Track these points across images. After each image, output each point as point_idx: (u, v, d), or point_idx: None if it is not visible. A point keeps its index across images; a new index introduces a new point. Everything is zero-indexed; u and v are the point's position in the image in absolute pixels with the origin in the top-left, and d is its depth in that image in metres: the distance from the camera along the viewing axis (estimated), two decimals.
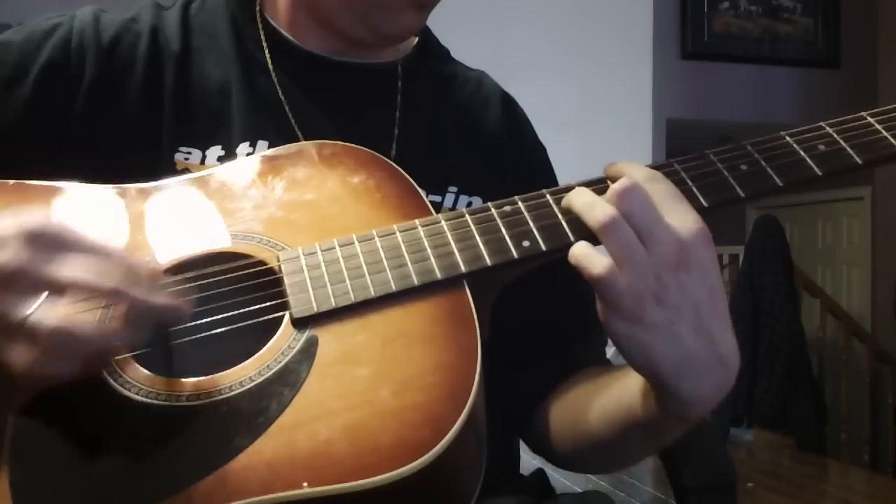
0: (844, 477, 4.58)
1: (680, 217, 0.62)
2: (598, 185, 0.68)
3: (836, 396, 5.10)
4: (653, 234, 0.61)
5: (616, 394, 0.75)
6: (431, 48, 0.99)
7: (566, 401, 0.86)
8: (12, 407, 0.59)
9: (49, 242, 0.57)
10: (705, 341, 0.62)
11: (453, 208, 0.87)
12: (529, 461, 0.97)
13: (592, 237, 0.66)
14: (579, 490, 1.08)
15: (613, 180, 0.65)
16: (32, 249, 0.57)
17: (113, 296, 0.58)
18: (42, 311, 0.55)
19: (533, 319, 0.90)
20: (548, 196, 0.69)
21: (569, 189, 0.69)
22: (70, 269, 0.57)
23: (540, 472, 0.95)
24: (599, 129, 4.57)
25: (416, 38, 0.98)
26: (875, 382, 5.27)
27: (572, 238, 0.66)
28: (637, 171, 0.65)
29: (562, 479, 3.28)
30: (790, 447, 4.78)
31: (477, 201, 0.88)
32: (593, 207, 0.62)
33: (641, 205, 0.61)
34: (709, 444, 1.01)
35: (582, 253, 0.62)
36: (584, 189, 0.66)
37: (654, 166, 0.69)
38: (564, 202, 0.66)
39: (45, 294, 0.56)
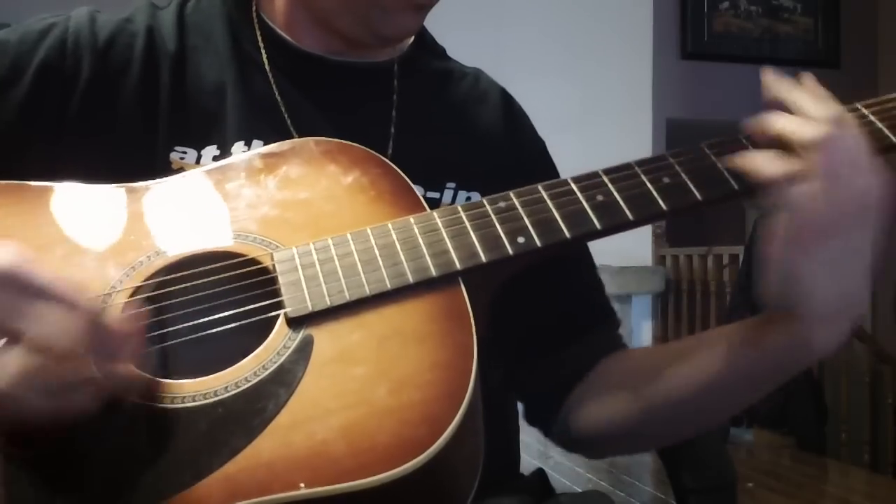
0: (844, 477, 4.57)
1: (878, 175, 0.65)
2: (533, 196, 0.69)
3: (836, 396, 5.10)
4: (864, 172, 0.64)
5: (707, 353, 0.76)
6: (427, 45, 0.99)
7: (626, 376, 0.85)
8: None
9: (17, 287, 0.55)
10: (860, 290, 0.66)
11: (452, 204, 0.86)
12: (529, 461, 0.97)
13: (585, 236, 0.66)
14: (579, 490, 1.08)
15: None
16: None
17: (67, 357, 0.54)
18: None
19: (548, 309, 0.90)
20: (542, 191, 0.69)
21: (564, 184, 0.69)
22: (31, 321, 0.54)
23: (540, 472, 0.95)
24: (599, 129, 4.57)
25: (412, 37, 0.97)
26: (875, 382, 5.26)
27: (567, 234, 0.66)
28: (847, 117, 0.68)
29: (562, 480, 3.28)
30: (790, 447, 4.78)
31: (476, 197, 0.87)
32: (818, 125, 0.65)
33: (855, 142, 0.65)
34: (709, 444, 1.01)
35: (790, 163, 0.64)
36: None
37: (648, 160, 0.70)
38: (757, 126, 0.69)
39: (2, 342, 0.54)
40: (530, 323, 0.90)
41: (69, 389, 0.55)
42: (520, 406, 0.96)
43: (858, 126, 0.68)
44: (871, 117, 0.71)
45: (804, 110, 0.67)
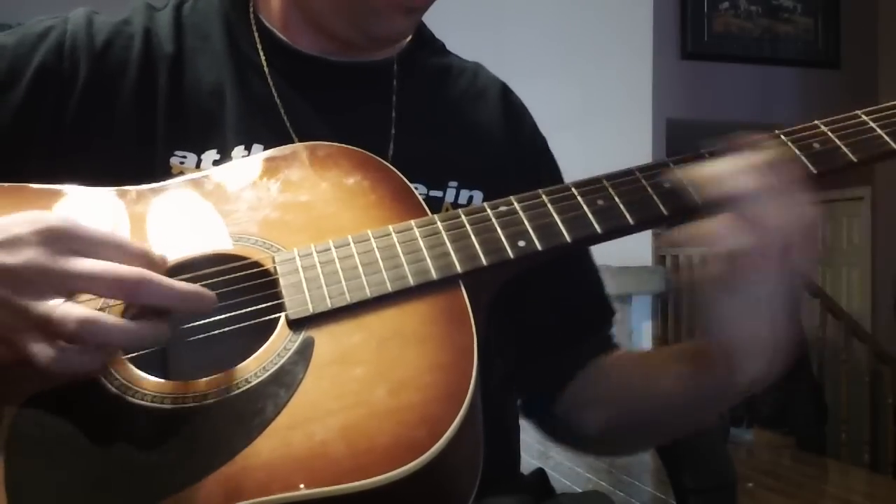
0: (844, 477, 4.57)
1: (804, 208, 0.66)
2: (534, 201, 0.70)
3: (836, 396, 5.10)
4: (788, 215, 0.64)
5: (679, 366, 0.78)
6: (426, 42, 0.98)
7: (612, 380, 0.88)
8: (17, 401, 0.59)
9: (65, 239, 0.58)
10: (788, 328, 0.67)
11: (455, 203, 0.86)
12: (529, 461, 0.97)
13: (585, 240, 0.66)
14: (579, 490, 1.08)
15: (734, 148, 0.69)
16: (50, 247, 0.57)
17: (134, 286, 0.58)
18: (67, 306, 0.56)
19: (547, 311, 0.92)
20: (543, 196, 0.69)
21: (565, 189, 0.70)
22: (89, 263, 0.58)
23: (540, 472, 0.95)
24: (599, 129, 4.57)
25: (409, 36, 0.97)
26: (875, 382, 5.26)
27: (568, 238, 0.67)
28: (770, 153, 0.68)
29: (562, 480, 3.28)
30: (790, 447, 4.78)
31: (478, 195, 0.87)
32: (743, 175, 0.65)
33: (785, 183, 0.65)
34: (709, 444, 1.01)
35: (726, 228, 0.64)
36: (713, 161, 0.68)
37: (649, 166, 0.71)
38: (699, 173, 0.68)
39: (67, 291, 0.57)
40: (529, 324, 0.91)
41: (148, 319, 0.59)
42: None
43: (793, 160, 0.69)
44: (872, 124, 0.72)
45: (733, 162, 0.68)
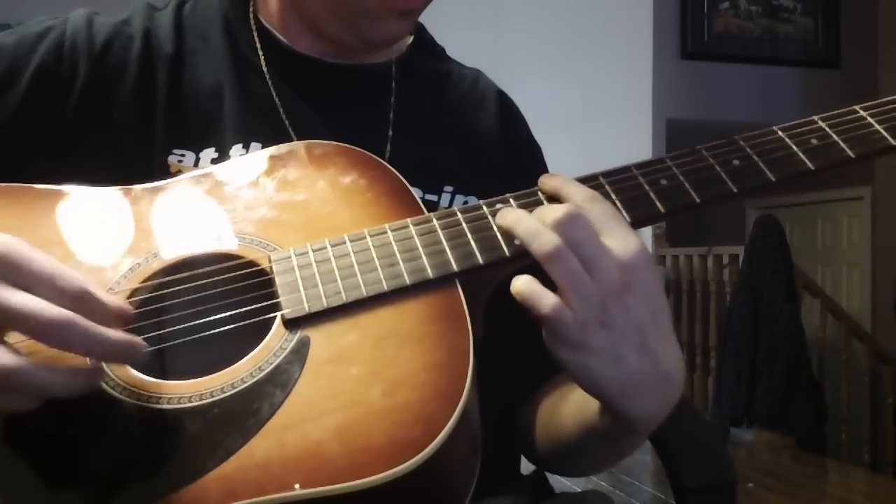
0: (844, 477, 4.57)
1: (621, 240, 0.61)
2: (531, 199, 0.67)
3: (836, 396, 5.10)
4: (598, 262, 0.60)
5: (577, 403, 0.74)
6: (426, 46, 0.99)
7: (541, 405, 0.86)
8: None
9: (6, 268, 0.55)
10: (649, 360, 0.62)
11: (450, 208, 0.86)
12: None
13: None
14: (579, 490, 1.08)
15: (549, 196, 0.66)
16: None
17: (59, 330, 0.54)
18: None
19: (517, 320, 0.89)
20: (539, 194, 0.69)
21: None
22: (20, 299, 0.54)
23: (539, 472, 0.95)
24: (599, 129, 4.58)
25: (411, 38, 0.97)
26: (875, 382, 5.27)
27: None
28: (577, 193, 0.64)
29: (561, 479, 3.28)
30: (790, 447, 4.78)
31: (473, 201, 0.87)
32: (539, 236, 0.61)
33: (586, 232, 0.60)
34: (709, 444, 1.01)
35: (528, 290, 0.60)
36: (523, 213, 0.64)
37: (647, 163, 0.70)
38: (502, 222, 0.65)
39: None
40: (501, 334, 0.88)
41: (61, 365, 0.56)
42: None
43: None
44: (870, 119, 0.71)
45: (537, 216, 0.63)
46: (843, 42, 5.77)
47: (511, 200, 0.69)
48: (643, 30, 4.97)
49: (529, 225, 0.62)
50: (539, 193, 0.69)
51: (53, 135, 0.81)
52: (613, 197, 0.68)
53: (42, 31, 0.84)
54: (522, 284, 0.61)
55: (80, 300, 0.57)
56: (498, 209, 0.68)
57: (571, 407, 0.75)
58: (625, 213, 0.67)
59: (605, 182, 0.69)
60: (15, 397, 0.54)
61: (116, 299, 0.60)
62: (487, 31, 4.50)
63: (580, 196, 0.64)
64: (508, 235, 0.66)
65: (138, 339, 0.58)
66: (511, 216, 0.64)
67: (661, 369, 0.62)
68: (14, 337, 0.56)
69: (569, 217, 0.60)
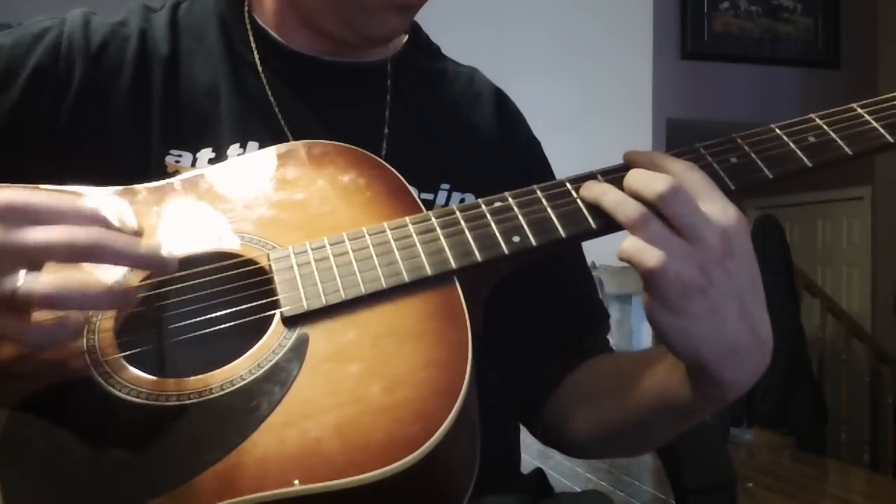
0: (844, 477, 4.57)
1: (721, 207, 0.63)
2: (618, 174, 0.68)
3: (836, 396, 5.10)
4: (698, 229, 0.62)
5: (649, 378, 0.75)
6: (421, 45, 0.99)
7: (588, 387, 0.86)
8: (10, 402, 0.59)
9: (19, 212, 0.57)
10: (748, 327, 0.63)
11: (446, 206, 0.86)
12: (529, 461, 0.97)
13: (581, 236, 0.66)
14: (579, 490, 1.08)
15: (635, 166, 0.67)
16: (4, 223, 0.56)
17: (91, 247, 0.57)
18: (30, 278, 0.56)
19: (537, 314, 0.91)
20: (538, 192, 0.69)
21: (559, 184, 0.69)
22: (43, 231, 0.57)
23: (539, 472, 0.95)
24: (599, 129, 4.57)
25: (406, 36, 0.97)
26: (875, 382, 5.27)
27: (563, 233, 0.66)
28: (673, 165, 0.66)
29: (561, 479, 3.28)
30: (790, 447, 4.78)
31: (470, 198, 0.87)
32: (623, 206, 0.63)
33: (686, 200, 0.62)
34: (709, 444, 1.01)
35: (634, 247, 0.62)
36: (608, 186, 0.66)
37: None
38: (588, 194, 0.67)
39: (27, 262, 0.56)
40: (519, 328, 0.90)
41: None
42: None
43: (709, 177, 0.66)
44: (868, 117, 0.71)
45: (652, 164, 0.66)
46: (843, 42, 5.76)
47: (509, 198, 0.69)
48: (643, 30, 4.97)
49: (616, 195, 0.65)
50: (538, 191, 0.69)
51: (49, 135, 0.81)
52: None
53: (39, 32, 0.84)
54: (627, 243, 0.63)
55: (101, 219, 0.59)
56: (495, 206, 0.68)
57: (647, 381, 0.75)
58: None
59: (604, 181, 0.69)
60: (60, 327, 0.58)
61: (132, 223, 0.62)
62: (487, 30, 4.50)
63: (676, 167, 0.65)
64: (508, 233, 0.66)
65: (168, 251, 0.60)
66: (597, 189, 0.66)
67: (759, 335, 0.64)
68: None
69: (671, 189, 0.62)
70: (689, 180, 0.64)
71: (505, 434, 0.95)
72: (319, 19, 0.86)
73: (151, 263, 0.61)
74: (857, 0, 5.75)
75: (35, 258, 0.57)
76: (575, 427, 0.86)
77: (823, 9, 5.74)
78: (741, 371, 0.65)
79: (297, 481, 0.53)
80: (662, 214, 0.62)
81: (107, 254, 0.58)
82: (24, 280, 0.56)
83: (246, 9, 0.91)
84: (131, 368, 0.61)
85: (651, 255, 0.61)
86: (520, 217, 0.67)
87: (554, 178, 0.96)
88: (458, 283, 0.64)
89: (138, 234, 0.61)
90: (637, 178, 0.65)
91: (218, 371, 0.61)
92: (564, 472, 3.35)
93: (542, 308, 0.91)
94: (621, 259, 0.63)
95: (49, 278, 0.56)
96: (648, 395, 0.74)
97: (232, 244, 0.69)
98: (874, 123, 0.71)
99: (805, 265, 5.63)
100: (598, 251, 0.93)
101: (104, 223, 0.59)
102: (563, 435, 0.88)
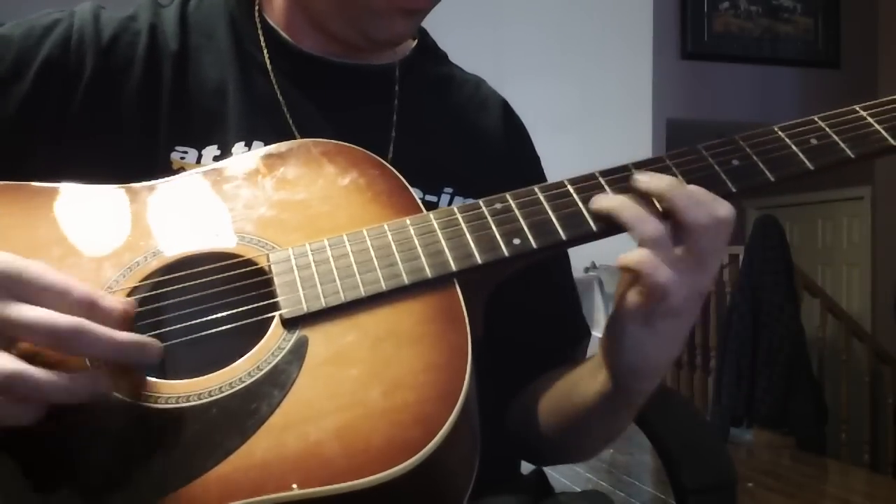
0: (844, 477, 4.57)
1: (725, 246, 0.66)
2: (618, 175, 0.69)
3: (836, 396, 5.10)
4: (709, 263, 0.65)
5: (591, 379, 0.77)
6: (429, 50, 0.99)
7: (547, 392, 0.86)
8: None
9: (9, 284, 0.56)
10: (677, 353, 0.70)
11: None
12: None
13: (582, 238, 0.66)
14: (579, 490, 1.07)
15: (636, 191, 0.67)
16: None
17: (69, 337, 0.55)
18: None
19: (517, 325, 0.90)
20: (538, 193, 0.69)
21: (559, 185, 0.69)
22: (27, 311, 0.55)
23: (539, 472, 0.95)
24: (599, 129, 4.58)
25: (415, 41, 0.97)
26: (875, 382, 5.26)
27: (563, 235, 0.66)
28: (720, 207, 0.66)
29: (561, 479, 3.28)
30: (790, 447, 4.78)
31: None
32: (645, 222, 0.64)
33: (724, 237, 0.65)
34: (709, 444, 1.00)
35: (650, 262, 0.63)
36: (624, 198, 0.66)
37: (645, 161, 0.69)
38: (606, 205, 0.66)
39: (5, 339, 0.55)
40: (503, 334, 0.89)
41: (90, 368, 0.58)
42: None
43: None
44: (870, 119, 0.71)
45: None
46: (843, 42, 5.77)
47: (510, 200, 0.69)
48: (643, 30, 4.97)
49: (636, 211, 0.65)
50: (538, 193, 0.69)
51: (58, 128, 0.81)
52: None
53: (49, 24, 0.84)
54: (642, 256, 0.64)
55: (88, 308, 0.58)
56: (496, 208, 0.68)
57: (590, 382, 0.77)
58: None
59: (605, 181, 0.69)
60: (20, 408, 0.55)
61: (122, 301, 0.61)
62: (487, 30, 4.50)
63: (724, 210, 0.65)
64: (509, 235, 0.66)
65: (151, 339, 0.58)
66: (617, 201, 0.66)
67: (674, 357, 0.70)
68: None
69: (714, 222, 0.64)
70: (727, 222, 0.65)
71: (504, 434, 0.94)
72: (327, 21, 0.86)
73: (131, 355, 0.58)
74: (857, 0, 5.75)
75: (15, 336, 0.55)
76: (532, 432, 0.86)
77: (823, 9, 5.74)
78: (649, 388, 0.72)
79: (296, 485, 0.53)
80: (683, 237, 0.64)
81: (86, 346, 0.56)
82: None
83: (255, 8, 0.91)
84: (130, 370, 0.61)
85: (664, 273, 0.63)
86: (520, 219, 0.67)
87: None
88: (457, 286, 0.64)
89: (128, 314, 0.60)
90: (689, 202, 0.65)
91: (217, 373, 0.60)
92: (564, 472, 3.35)
93: (522, 320, 0.90)
94: (630, 268, 0.64)
95: (13, 363, 0.53)
96: (594, 393, 0.77)
97: (232, 244, 0.69)
98: (877, 126, 0.70)
99: (805, 265, 5.63)
100: (597, 251, 0.92)
101: (90, 307, 0.58)
102: (521, 439, 0.89)
